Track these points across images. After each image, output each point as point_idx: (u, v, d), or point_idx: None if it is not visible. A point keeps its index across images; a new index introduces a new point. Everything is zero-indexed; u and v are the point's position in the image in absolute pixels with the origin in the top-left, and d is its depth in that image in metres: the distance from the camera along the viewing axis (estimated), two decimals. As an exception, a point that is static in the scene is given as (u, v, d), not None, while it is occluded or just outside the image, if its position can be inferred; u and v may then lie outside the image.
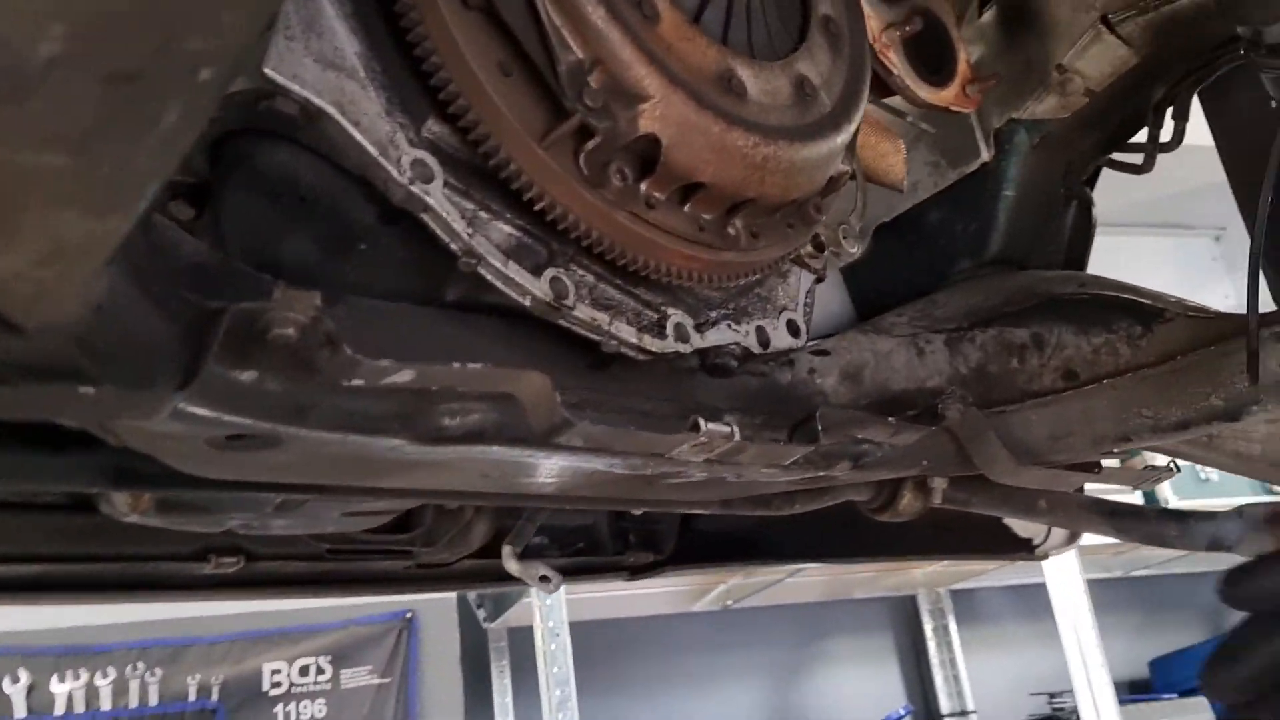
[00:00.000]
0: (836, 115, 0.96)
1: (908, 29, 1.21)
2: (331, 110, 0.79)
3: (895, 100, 1.27)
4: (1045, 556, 1.97)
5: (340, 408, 0.77)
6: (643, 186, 0.86)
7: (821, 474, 1.13)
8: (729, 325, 1.00)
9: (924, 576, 6.52)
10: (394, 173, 0.81)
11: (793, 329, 1.06)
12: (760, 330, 1.03)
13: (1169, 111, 1.31)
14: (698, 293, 1.00)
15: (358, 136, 0.80)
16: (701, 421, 0.85)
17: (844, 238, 1.13)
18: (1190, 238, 7.50)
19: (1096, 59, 1.28)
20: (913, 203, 1.45)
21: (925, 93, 1.24)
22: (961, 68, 1.30)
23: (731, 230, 0.92)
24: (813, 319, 1.13)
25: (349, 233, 0.89)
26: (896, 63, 1.21)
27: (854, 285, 1.51)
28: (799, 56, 0.95)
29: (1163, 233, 7.25)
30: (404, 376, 0.73)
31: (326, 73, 0.80)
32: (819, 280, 1.11)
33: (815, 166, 0.93)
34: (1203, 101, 1.40)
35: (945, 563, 5.87)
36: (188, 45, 0.42)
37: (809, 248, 1.07)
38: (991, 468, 1.14)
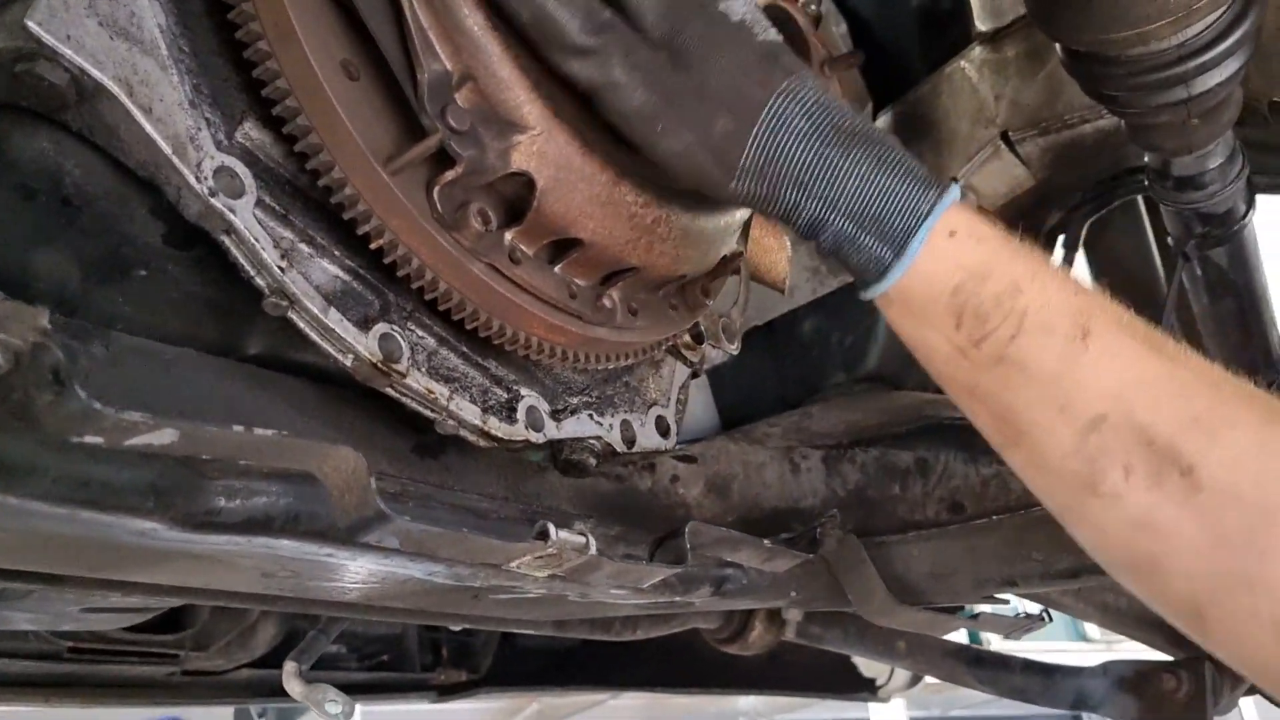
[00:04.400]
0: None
1: (805, 118, 1.12)
2: (114, 87, 0.61)
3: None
4: (889, 698, 1.86)
5: (71, 473, 0.57)
6: (507, 236, 0.71)
7: (678, 599, 0.97)
8: (590, 416, 0.85)
9: (748, 705, 6.36)
10: (190, 179, 0.63)
11: (662, 428, 0.91)
12: (625, 425, 0.88)
13: (1060, 240, 1.25)
14: (558, 373, 0.84)
15: (147, 126, 0.62)
16: (552, 529, 0.69)
17: (724, 332, 0.99)
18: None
19: (993, 177, 1.21)
20: (789, 308, 1.34)
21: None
22: (854, 169, 1.22)
23: (607, 302, 0.77)
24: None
25: (125, 253, 0.70)
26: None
27: (718, 390, 1.38)
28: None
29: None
30: (162, 438, 0.53)
31: (115, 41, 0.62)
32: (694, 375, 0.97)
33: (710, 240, 0.80)
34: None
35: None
36: None
37: (687, 337, 0.93)
38: (867, 605, 1.01)
